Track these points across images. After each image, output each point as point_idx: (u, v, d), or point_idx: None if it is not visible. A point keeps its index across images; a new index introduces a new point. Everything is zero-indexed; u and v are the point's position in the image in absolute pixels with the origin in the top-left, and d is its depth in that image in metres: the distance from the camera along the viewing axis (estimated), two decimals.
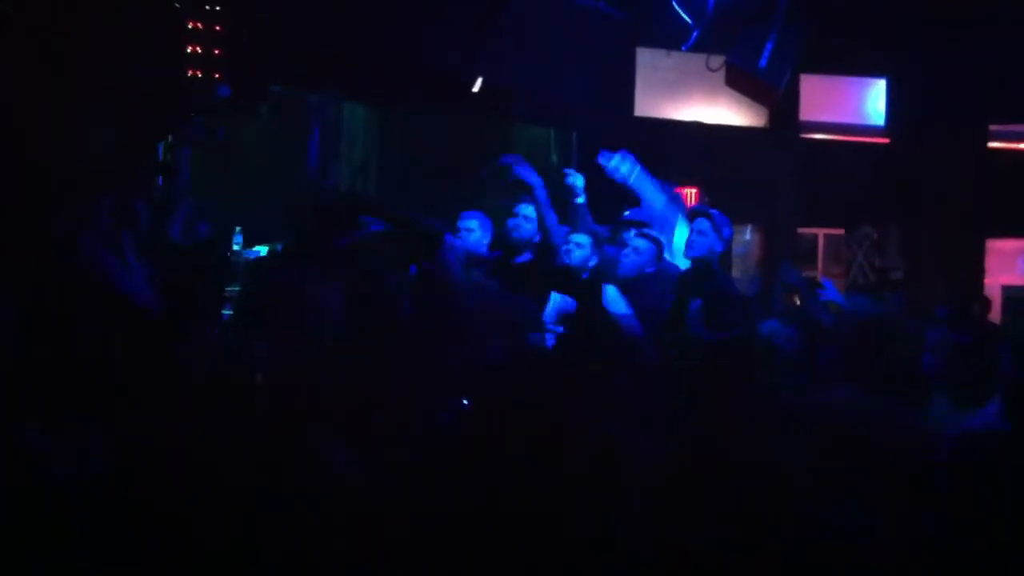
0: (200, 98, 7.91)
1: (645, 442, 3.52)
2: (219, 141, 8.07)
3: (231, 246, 7.62)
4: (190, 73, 8.26)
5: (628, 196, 7.77)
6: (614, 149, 7.81)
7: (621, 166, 7.65)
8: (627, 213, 7.59)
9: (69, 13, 7.02)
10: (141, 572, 2.80)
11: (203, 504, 2.93)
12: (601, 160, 7.60)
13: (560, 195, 10.36)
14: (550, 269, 6.91)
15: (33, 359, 3.48)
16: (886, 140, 11.99)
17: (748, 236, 12.38)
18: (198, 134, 7.67)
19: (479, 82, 9.55)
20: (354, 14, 8.77)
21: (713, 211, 7.12)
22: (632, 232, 7.07)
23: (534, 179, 7.12)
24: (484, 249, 7.23)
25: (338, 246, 5.54)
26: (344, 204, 6.34)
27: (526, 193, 7.19)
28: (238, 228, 8.10)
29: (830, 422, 3.60)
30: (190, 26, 8.28)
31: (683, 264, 7.02)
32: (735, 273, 11.00)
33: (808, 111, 11.81)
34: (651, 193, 7.62)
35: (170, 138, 8.17)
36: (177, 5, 8.12)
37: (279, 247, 6.66)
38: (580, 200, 7.32)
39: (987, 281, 11.96)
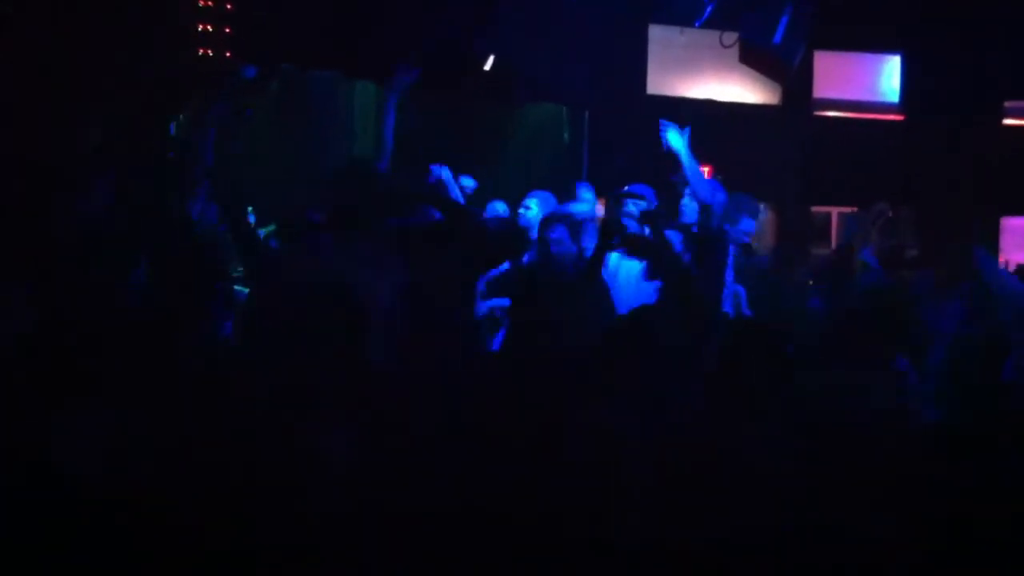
0: (224, 79, 7.88)
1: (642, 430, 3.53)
2: (247, 121, 8.03)
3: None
4: (200, 52, 8.25)
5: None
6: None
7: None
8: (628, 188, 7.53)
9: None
10: (141, 563, 2.80)
11: (204, 496, 2.93)
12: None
13: (567, 174, 10.40)
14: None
15: (44, 350, 3.46)
16: (900, 117, 11.92)
17: (762, 214, 12.31)
18: (223, 115, 7.65)
19: (491, 60, 9.51)
20: None
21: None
22: (628, 203, 7.05)
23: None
24: None
25: (392, 228, 5.36)
26: (402, 187, 6.16)
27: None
28: (250, 208, 8.07)
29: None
30: (200, 4, 8.27)
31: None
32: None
33: (822, 88, 11.74)
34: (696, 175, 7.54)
35: (182, 117, 8.15)
36: None
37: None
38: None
39: (1001, 259, 11.89)
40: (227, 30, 8.36)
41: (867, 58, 11.99)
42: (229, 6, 8.38)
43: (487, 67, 9.54)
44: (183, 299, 4.21)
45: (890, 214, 11.42)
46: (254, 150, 8.89)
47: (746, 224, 7.55)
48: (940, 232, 11.48)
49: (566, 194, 9.04)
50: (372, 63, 9.21)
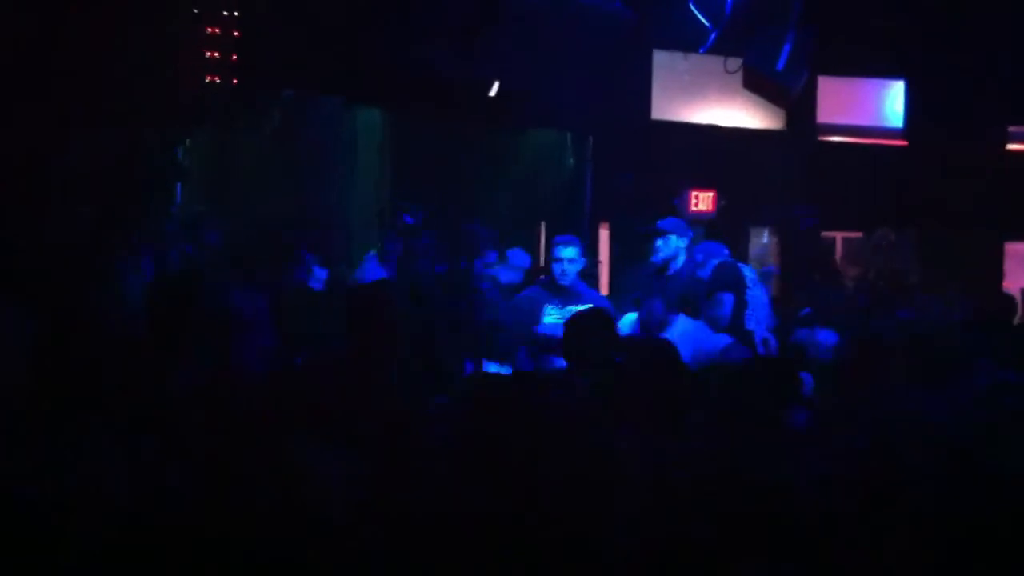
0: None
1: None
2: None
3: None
4: (208, 79, 8.29)
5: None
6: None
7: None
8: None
9: (83, 17, 7.03)
10: None
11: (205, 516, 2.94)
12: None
13: (571, 200, 10.44)
14: None
15: (48, 369, 3.48)
16: (904, 142, 11.94)
17: (765, 239, 12.34)
18: None
19: (495, 86, 9.56)
20: (365, 19, 8.78)
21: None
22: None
23: None
24: None
25: None
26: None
27: None
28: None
29: None
30: (208, 31, 8.32)
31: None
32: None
33: (825, 113, 11.77)
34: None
35: (188, 143, 8.20)
36: (195, 11, 8.14)
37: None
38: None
39: (1005, 284, 11.89)
40: (233, 57, 8.41)
41: (870, 83, 12.01)
42: (236, 33, 8.43)
43: (492, 93, 9.58)
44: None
45: (893, 239, 11.49)
46: (257, 176, 8.94)
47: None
48: (942, 257, 11.51)
49: (570, 221, 9.09)
50: (375, 89, 9.27)
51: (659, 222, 7.55)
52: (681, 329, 6.53)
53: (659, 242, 7.34)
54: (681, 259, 7.40)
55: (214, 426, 3.38)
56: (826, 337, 6.07)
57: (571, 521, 3.14)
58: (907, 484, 3.39)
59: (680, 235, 7.43)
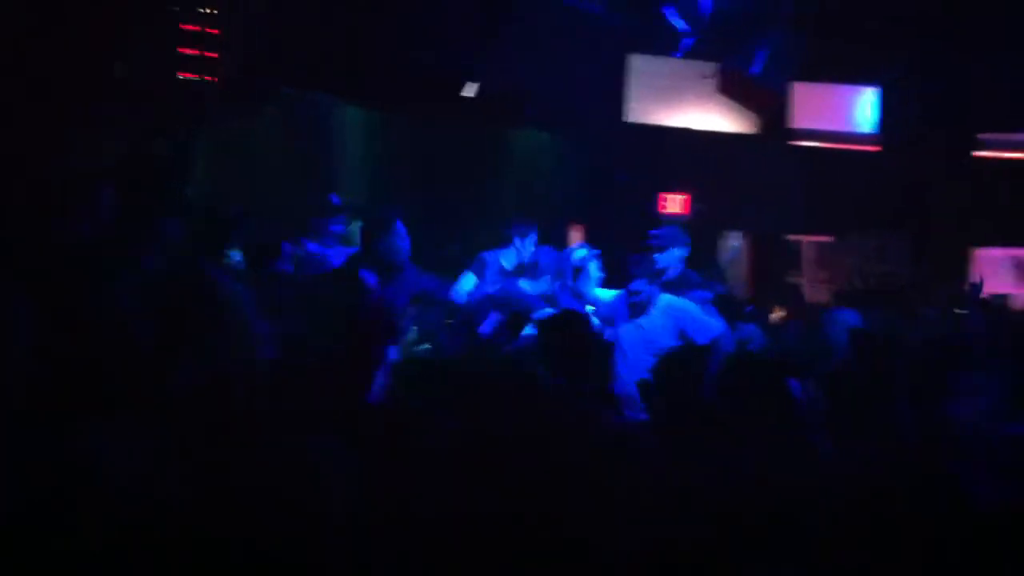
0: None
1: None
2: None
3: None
4: (183, 76, 8.24)
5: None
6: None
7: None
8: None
9: (69, 18, 6.98)
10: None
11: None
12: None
13: (549, 200, 10.45)
14: None
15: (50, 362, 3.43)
16: (878, 148, 12.04)
17: (737, 243, 12.41)
18: None
19: (474, 88, 9.56)
20: (354, 17, 8.76)
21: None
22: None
23: None
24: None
25: None
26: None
27: None
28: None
29: None
30: (183, 28, 8.27)
31: None
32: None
33: (800, 119, 11.84)
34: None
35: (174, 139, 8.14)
36: (176, 9, 8.09)
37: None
38: None
39: None
40: (210, 55, 8.36)
41: (844, 89, 12.11)
42: (213, 31, 8.38)
43: (470, 94, 9.58)
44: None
45: (878, 243, 11.58)
46: (246, 172, 8.88)
47: None
48: (913, 263, 11.64)
49: (542, 222, 9.07)
50: (362, 88, 9.25)
51: (655, 233, 7.46)
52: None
53: (657, 256, 7.23)
54: (675, 269, 7.31)
55: (214, 422, 3.35)
56: (849, 316, 6.03)
57: (571, 520, 3.14)
58: (908, 488, 3.41)
59: (678, 245, 7.34)
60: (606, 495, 3.29)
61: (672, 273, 7.28)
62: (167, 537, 2.87)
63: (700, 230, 11.45)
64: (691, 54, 10.47)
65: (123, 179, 6.53)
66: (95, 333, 3.90)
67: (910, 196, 11.55)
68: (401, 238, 6.06)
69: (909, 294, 9.67)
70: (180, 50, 8.40)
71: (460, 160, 10.13)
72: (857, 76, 11.79)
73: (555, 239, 8.91)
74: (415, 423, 3.76)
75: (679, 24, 10.15)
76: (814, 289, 12.19)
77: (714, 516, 3.25)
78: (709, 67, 10.57)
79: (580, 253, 7.16)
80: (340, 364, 4.46)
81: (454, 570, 3.06)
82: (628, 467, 3.46)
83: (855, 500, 3.35)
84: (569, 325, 4.99)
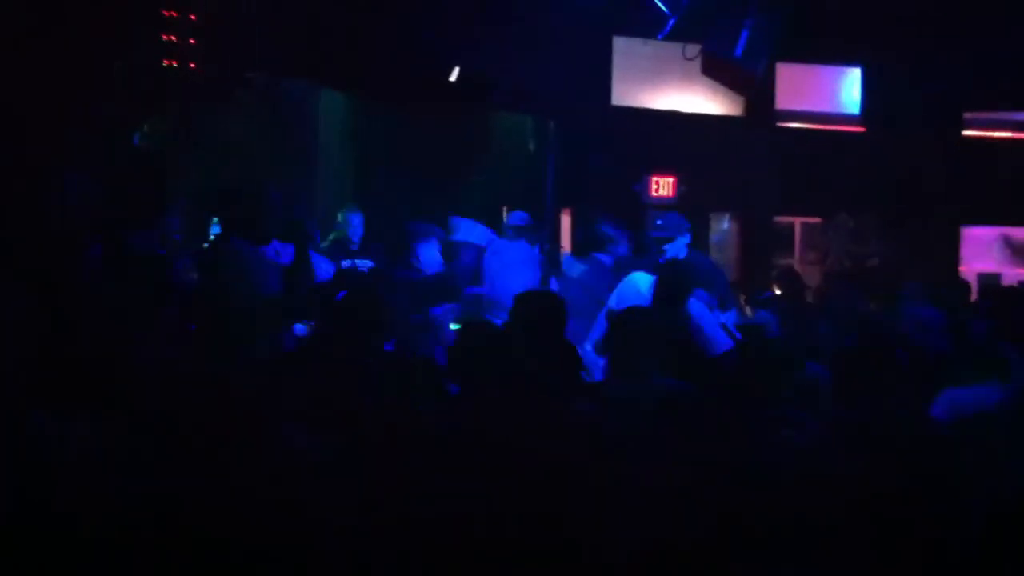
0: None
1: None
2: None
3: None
4: (165, 63, 8.24)
5: None
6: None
7: None
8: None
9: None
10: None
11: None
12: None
13: (533, 184, 10.49)
14: None
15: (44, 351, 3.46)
16: (862, 129, 12.05)
17: (726, 225, 12.43)
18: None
19: (456, 71, 9.56)
20: (333, 1, 8.77)
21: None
22: None
23: None
24: None
25: None
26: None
27: None
28: (215, 219, 8.08)
29: None
30: (165, 14, 8.26)
31: None
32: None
33: (784, 100, 11.86)
34: None
35: (146, 127, 8.16)
36: None
37: None
38: None
39: (962, 268, 12.04)
40: (191, 41, 8.36)
41: (828, 70, 12.12)
42: (193, 17, 8.38)
43: (452, 78, 9.58)
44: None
45: (851, 224, 11.59)
46: (224, 158, 8.89)
47: None
48: (901, 241, 11.64)
49: (532, 205, 9.12)
50: (338, 73, 9.24)
51: (659, 222, 7.56)
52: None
53: (666, 246, 7.32)
54: (682, 255, 7.40)
55: (208, 414, 3.36)
56: (931, 315, 5.99)
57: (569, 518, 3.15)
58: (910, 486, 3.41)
59: (683, 232, 7.45)
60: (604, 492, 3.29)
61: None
62: (157, 531, 2.88)
63: (687, 213, 11.53)
64: (673, 36, 10.45)
65: (109, 168, 6.58)
66: (86, 320, 3.94)
67: (896, 176, 11.55)
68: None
69: (883, 275, 9.67)
70: (163, 36, 8.41)
71: (439, 147, 10.13)
72: (840, 57, 11.79)
73: (548, 225, 8.98)
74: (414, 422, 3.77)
75: (661, 5, 10.12)
76: (805, 270, 12.20)
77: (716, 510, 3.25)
78: (692, 49, 10.56)
79: None
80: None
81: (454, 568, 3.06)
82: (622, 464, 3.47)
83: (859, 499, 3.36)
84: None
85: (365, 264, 7.68)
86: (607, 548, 3.12)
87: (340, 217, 8.26)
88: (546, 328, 4.86)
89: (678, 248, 7.38)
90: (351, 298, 4.87)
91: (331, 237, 8.10)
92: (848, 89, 12.09)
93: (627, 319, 4.84)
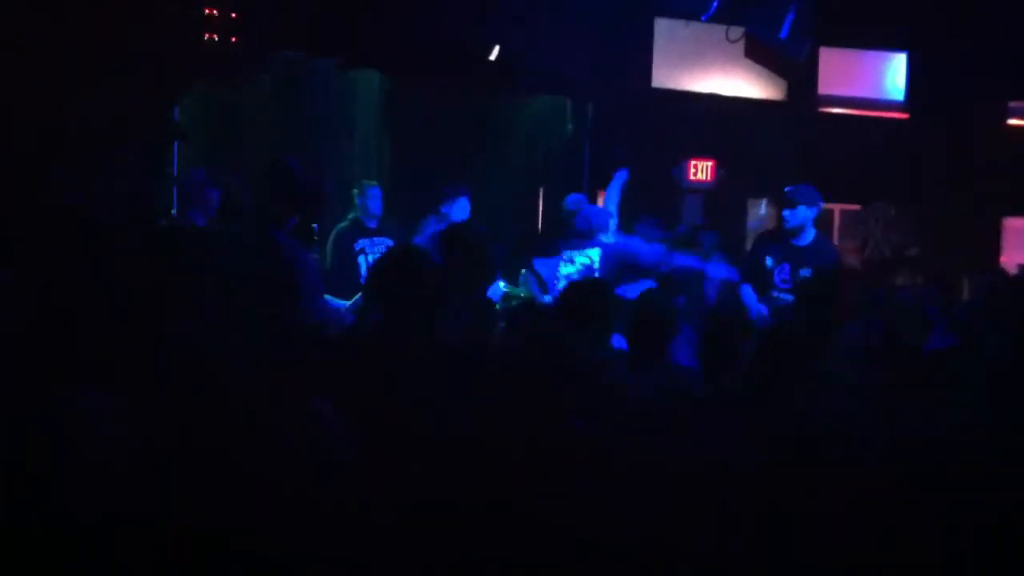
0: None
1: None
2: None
3: None
4: (206, 36, 8.21)
5: None
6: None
7: None
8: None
9: None
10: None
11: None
12: None
13: (570, 166, 10.42)
14: None
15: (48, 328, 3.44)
16: (905, 115, 11.89)
17: (763, 211, 12.31)
18: None
19: (495, 51, 9.49)
20: None
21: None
22: None
23: None
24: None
25: None
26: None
27: None
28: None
29: None
30: None
31: None
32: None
33: (827, 85, 11.71)
34: None
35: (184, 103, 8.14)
36: None
37: None
38: None
39: (1003, 259, 11.89)
40: (232, 15, 8.32)
41: (872, 55, 11.94)
42: None
43: (492, 58, 9.51)
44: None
45: (892, 212, 11.45)
46: (254, 138, 8.87)
47: None
48: (942, 231, 11.50)
49: (569, 188, 9.06)
50: (375, 52, 9.19)
51: (788, 189, 7.19)
52: None
53: (785, 212, 7.00)
54: (810, 231, 7.07)
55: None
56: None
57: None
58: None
59: (809, 205, 7.04)
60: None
61: (807, 237, 7.10)
62: (158, 522, 2.86)
63: (726, 197, 11.45)
64: (717, 18, 10.35)
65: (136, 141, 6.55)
66: (85, 296, 3.91)
67: (938, 165, 11.40)
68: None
69: (918, 264, 9.55)
70: (204, 9, 8.38)
71: (476, 128, 10.08)
72: (885, 42, 11.64)
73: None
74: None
75: None
76: (845, 258, 12.09)
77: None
78: (735, 31, 10.45)
79: None
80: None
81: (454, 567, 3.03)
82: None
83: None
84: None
85: (383, 242, 7.65)
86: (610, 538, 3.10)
87: (356, 190, 8.05)
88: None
89: (799, 219, 6.99)
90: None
91: (350, 216, 8.03)
92: (892, 75, 11.93)
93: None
